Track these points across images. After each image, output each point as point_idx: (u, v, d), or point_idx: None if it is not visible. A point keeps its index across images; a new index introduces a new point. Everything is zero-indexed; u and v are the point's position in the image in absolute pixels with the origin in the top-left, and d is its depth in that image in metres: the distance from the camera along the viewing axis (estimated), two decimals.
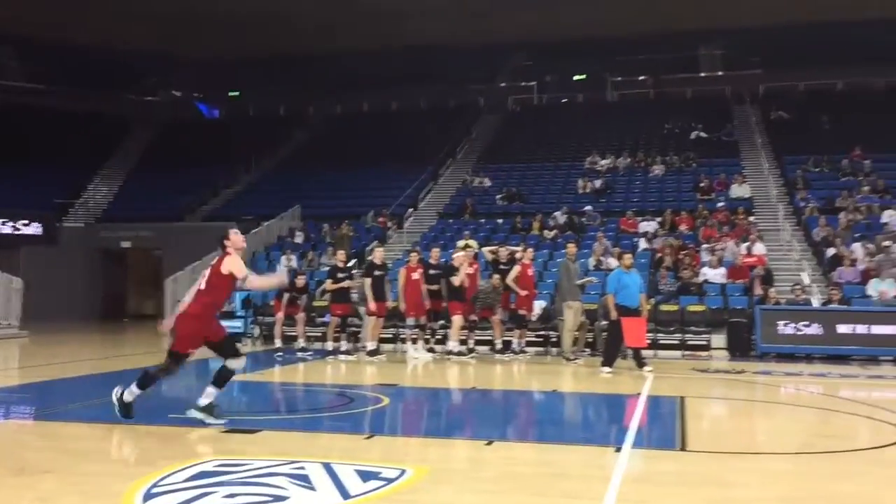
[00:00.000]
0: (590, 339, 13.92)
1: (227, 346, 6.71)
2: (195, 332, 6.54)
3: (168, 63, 32.75)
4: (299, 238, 21.90)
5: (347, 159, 26.81)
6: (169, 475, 4.83)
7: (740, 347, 14.17)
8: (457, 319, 13.10)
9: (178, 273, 18.97)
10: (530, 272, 13.78)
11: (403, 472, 5.02)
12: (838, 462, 5.80)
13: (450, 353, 13.07)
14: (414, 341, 13.46)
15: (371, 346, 12.96)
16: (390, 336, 14.76)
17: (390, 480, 4.82)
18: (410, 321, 13.41)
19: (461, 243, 16.80)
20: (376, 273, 13.05)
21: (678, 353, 14.20)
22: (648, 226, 19.76)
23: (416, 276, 13.29)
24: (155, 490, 4.53)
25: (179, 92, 35.71)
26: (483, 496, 4.65)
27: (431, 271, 13.53)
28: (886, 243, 16.17)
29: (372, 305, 12.87)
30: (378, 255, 13.54)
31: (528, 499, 4.60)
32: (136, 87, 33.27)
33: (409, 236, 21.55)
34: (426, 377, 11.40)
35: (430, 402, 9.41)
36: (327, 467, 5.03)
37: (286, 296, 14.10)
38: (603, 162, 25.01)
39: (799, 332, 13.84)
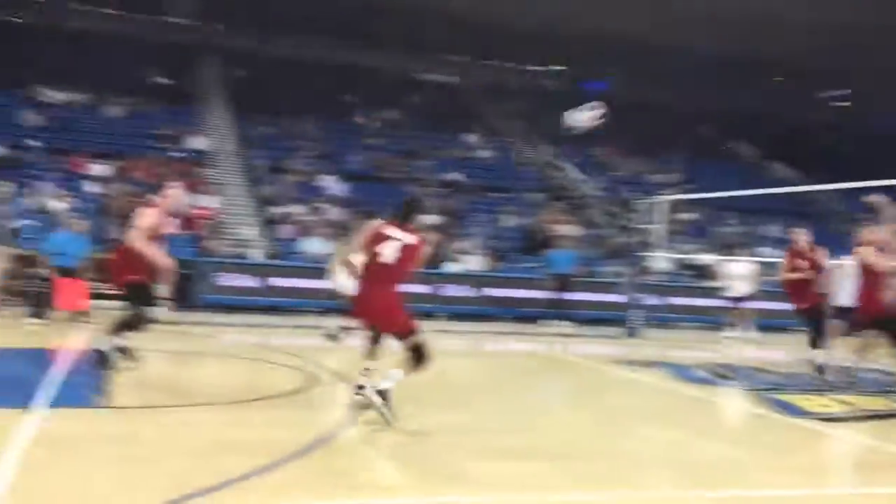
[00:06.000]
0: (24, 289, 12.93)
1: None
2: None
3: None
4: None
5: None
6: None
7: (183, 298, 14.56)
8: None
9: None
10: None
11: None
12: (248, 410, 6.39)
13: None
14: None
15: None
16: None
17: None
18: None
19: None
20: None
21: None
22: (101, 169, 19.00)
23: None
24: None
25: None
26: None
27: None
28: (319, 205, 18.20)
29: None
30: None
31: None
32: None
33: None
34: None
35: None
36: None
37: None
38: (54, 95, 23.16)
39: (237, 285, 14.80)
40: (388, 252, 5.90)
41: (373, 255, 5.95)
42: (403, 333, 5.93)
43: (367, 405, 5.78)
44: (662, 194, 21.50)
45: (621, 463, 5.23)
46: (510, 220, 21.78)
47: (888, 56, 33.12)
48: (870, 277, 8.35)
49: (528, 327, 15.46)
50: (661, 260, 19.29)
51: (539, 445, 5.65)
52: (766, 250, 22.29)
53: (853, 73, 36.62)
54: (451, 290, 16.67)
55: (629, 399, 8.32)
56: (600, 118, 10.73)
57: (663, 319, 18.09)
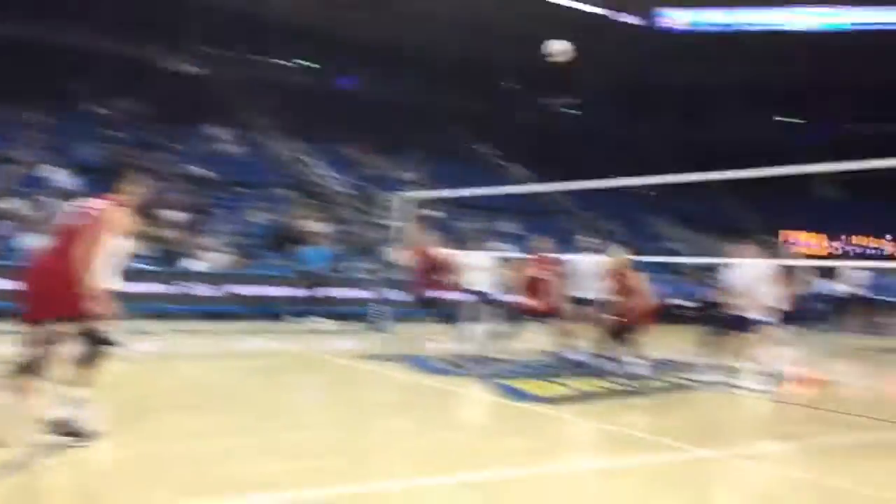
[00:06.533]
0: None
1: None
2: None
3: None
4: None
5: None
6: None
7: None
8: None
9: None
10: None
11: None
12: None
13: None
14: None
15: None
16: None
17: None
18: None
19: None
20: None
21: None
22: None
23: None
24: None
25: None
26: None
27: None
28: (43, 199, 16.81)
29: None
30: None
31: None
32: None
33: None
34: None
35: None
36: None
37: None
38: None
39: None
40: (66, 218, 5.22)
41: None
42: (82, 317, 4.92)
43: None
44: (408, 191, 22.18)
45: (354, 457, 5.33)
46: (258, 217, 21.36)
47: (608, 69, 36.49)
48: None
49: (278, 325, 15.28)
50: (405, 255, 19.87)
51: (274, 445, 5.61)
52: (505, 246, 23.72)
53: (578, 83, 39.87)
54: (197, 289, 16.05)
55: (371, 393, 8.51)
56: (572, 53, 10.95)
57: (411, 314, 18.67)
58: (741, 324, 9.28)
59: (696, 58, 36.01)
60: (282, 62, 38.66)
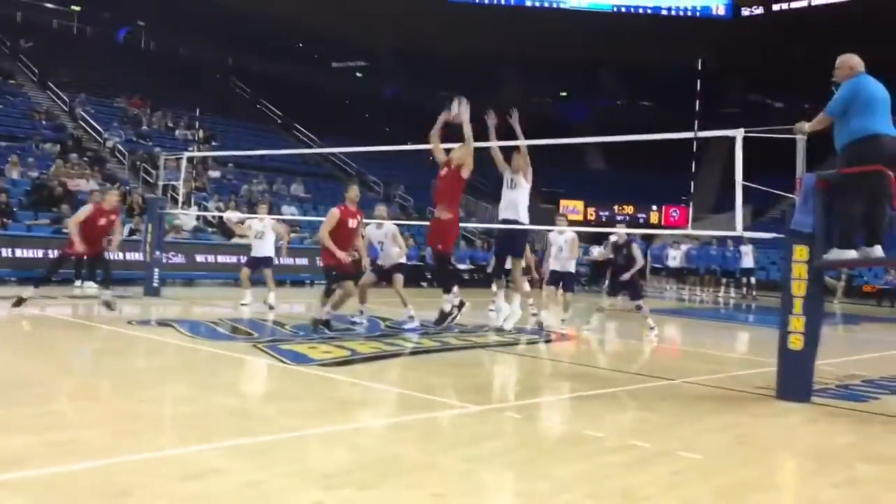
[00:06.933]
0: None
1: None
2: None
3: None
4: None
5: None
6: None
7: None
8: None
9: None
10: None
11: None
12: None
13: None
14: None
15: None
16: None
17: None
18: None
19: None
20: None
21: None
22: None
23: None
24: None
25: None
26: None
27: None
28: None
29: None
30: None
31: None
32: None
33: None
34: None
35: None
36: None
37: None
38: None
39: None
40: None
41: None
42: None
43: None
44: (189, 150, 21.20)
45: (126, 426, 5.06)
46: (15, 173, 19.57)
47: (398, 35, 36.75)
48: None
49: (49, 290, 14.11)
50: (185, 217, 19.05)
51: (19, 419, 5.19)
52: (291, 209, 23.38)
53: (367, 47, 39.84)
54: None
55: (141, 360, 8.11)
56: None
57: (188, 277, 17.95)
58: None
59: (476, 30, 37.11)
60: (47, 5, 35.46)
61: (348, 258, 10.01)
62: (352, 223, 10.11)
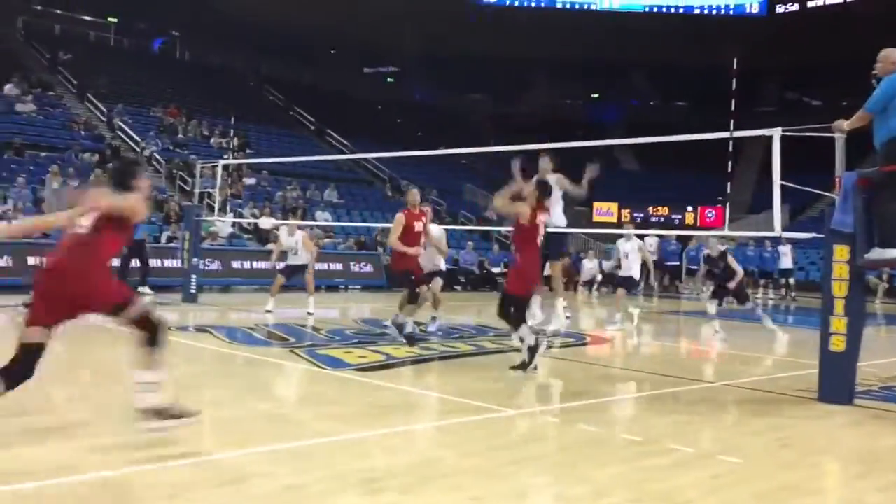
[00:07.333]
0: None
1: None
2: None
3: None
4: None
5: None
6: None
7: None
8: None
9: None
10: None
11: None
12: None
13: None
14: None
15: None
16: None
17: None
18: None
19: None
20: None
21: None
22: None
23: None
24: None
25: None
26: None
27: None
28: None
29: None
30: None
31: None
32: None
33: None
34: None
35: None
36: None
37: None
38: None
39: None
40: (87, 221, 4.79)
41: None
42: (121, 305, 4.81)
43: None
44: (225, 158, 21.46)
45: (165, 431, 5.12)
46: (56, 183, 19.92)
47: (428, 39, 36.80)
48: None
49: None
50: (221, 224, 19.26)
51: (63, 422, 5.29)
52: (325, 214, 23.53)
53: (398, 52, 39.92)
54: None
55: (181, 365, 8.20)
56: None
57: (224, 283, 18.14)
58: None
59: (507, 32, 37.00)
60: (84, 17, 36.06)
61: (420, 253, 9.94)
62: (418, 226, 9.96)
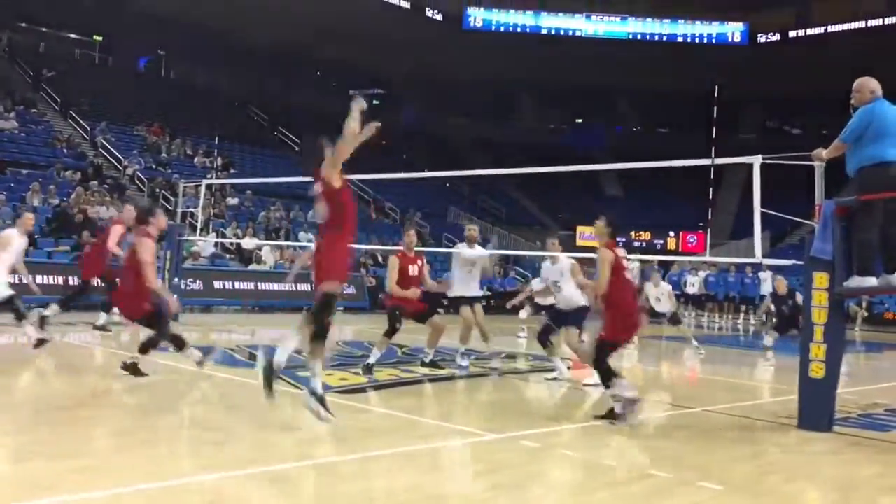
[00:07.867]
0: None
1: None
2: None
3: None
4: None
5: None
6: None
7: None
8: None
9: None
10: None
11: None
12: None
13: None
14: None
15: None
16: None
17: None
18: None
19: None
20: None
21: None
22: None
23: None
24: None
25: None
26: None
27: None
28: None
29: None
30: None
31: None
32: None
33: None
34: None
35: None
36: None
37: None
38: None
39: None
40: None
41: None
42: None
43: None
44: (208, 178, 21.40)
45: (145, 453, 5.06)
46: (37, 200, 19.79)
47: (415, 63, 37.00)
48: None
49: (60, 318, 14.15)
50: (204, 244, 19.16)
51: (34, 446, 5.21)
52: (308, 235, 23.46)
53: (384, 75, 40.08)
54: None
55: (156, 387, 8.12)
56: None
57: (205, 304, 18.02)
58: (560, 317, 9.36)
59: (493, 57, 37.27)
60: (68, 35, 35.97)
61: (417, 295, 9.56)
62: (412, 270, 9.52)
